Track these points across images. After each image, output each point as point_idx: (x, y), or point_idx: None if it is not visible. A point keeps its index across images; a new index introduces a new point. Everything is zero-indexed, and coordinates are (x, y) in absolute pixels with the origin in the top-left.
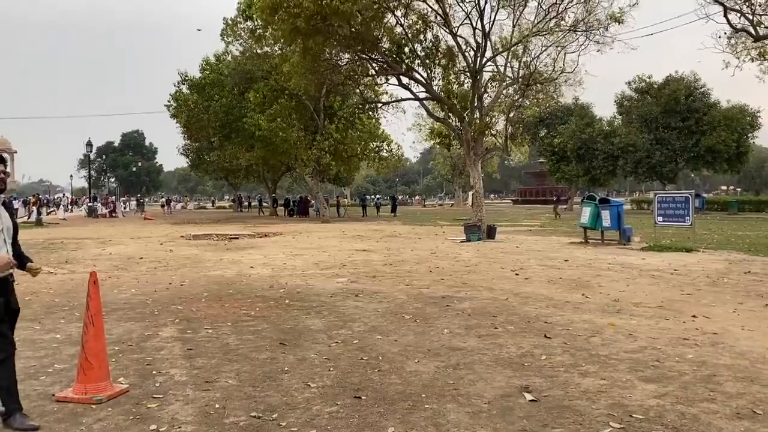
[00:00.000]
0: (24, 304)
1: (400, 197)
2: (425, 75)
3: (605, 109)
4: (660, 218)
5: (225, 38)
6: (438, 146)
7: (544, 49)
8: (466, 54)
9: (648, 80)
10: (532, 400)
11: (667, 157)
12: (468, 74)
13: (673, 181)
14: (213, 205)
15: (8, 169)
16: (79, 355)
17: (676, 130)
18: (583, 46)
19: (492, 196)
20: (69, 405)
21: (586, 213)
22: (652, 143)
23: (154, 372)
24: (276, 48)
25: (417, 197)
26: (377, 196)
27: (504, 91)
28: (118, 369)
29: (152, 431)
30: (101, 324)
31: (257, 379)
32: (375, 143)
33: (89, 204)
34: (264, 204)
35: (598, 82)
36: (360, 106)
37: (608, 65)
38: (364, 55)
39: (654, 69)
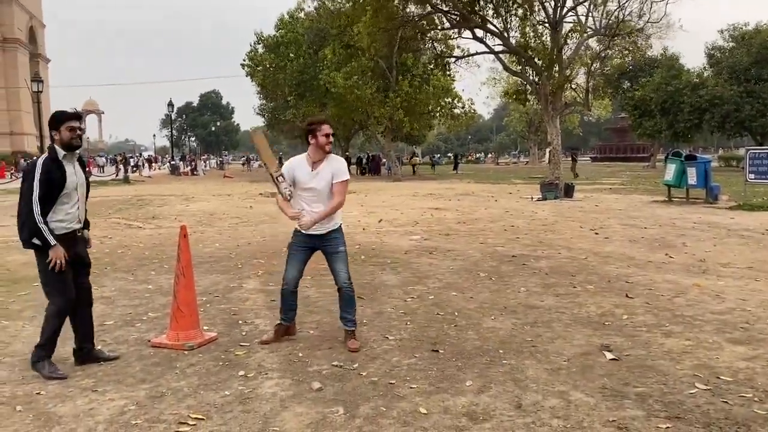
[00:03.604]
0: (117, 257)
1: (471, 155)
2: (501, 27)
3: (696, 61)
4: (752, 175)
5: None
6: (513, 101)
7: None
8: (546, 4)
9: (743, 28)
10: (613, 359)
11: (758, 111)
12: (548, 25)
13: (766, 137)
14: None
15: (83, 126)
16: (171, 305)
17: None
18: None
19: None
20: (163, 350)
21: (670, 170)
22: (742, 96)
23: (240, 321)
24: (348, 4)
25: (489, 155)
26: (448, 154)
27: (585, 43)
28: (207, 318)
29: (241, 377)
30: (191, 275)
31: (337, 331)
32: (447, 99)
33: (172, 162)
34: None
35: (691, 32)
36: (434, 61)
37: (704, 13)
38: (438, 7)
39: (757, 14)
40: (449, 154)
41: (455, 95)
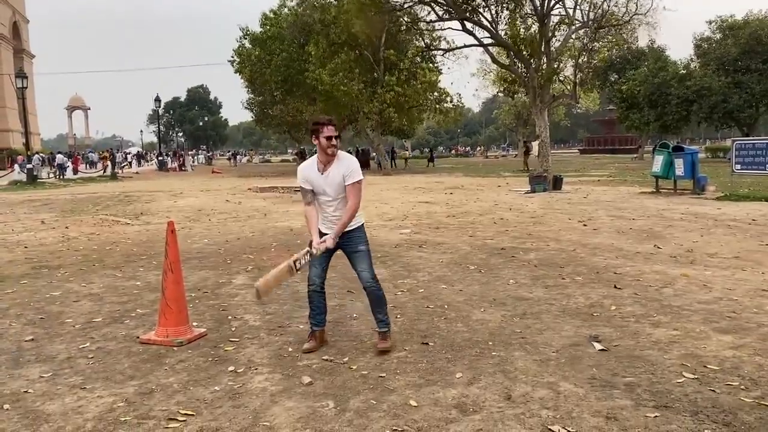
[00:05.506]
0: (105, 253)
1: (455, 148)
2: (490, 19)
3: (681, 53)
4: (738, 166)
5: None
6: (501, 95)
7: None
8: None
9: (730, 19)
10: (602, 350)
11: (746, 102)
12: (535, 17)
13: (753, 128)
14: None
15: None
16: (159, 301)
17: (757, 73)
18: None
19: (556, 145)
20: (152, 347)
21: (658, 161)
22: (729, 87)
23: (229, 317)
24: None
25: (479, 148)
26: (439, 148)
27: (573, 36)
28: (196, 314)
29: (230, 372)
30: (179, 271)
31: (327, 325)
32: (435, 94)
33: (160, 158)
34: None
35: (679, 24)
36: (422, 54)
37: (692, 4)
38: None
39: (744, 6)
40: (441, 148)
41: (442, 91)
